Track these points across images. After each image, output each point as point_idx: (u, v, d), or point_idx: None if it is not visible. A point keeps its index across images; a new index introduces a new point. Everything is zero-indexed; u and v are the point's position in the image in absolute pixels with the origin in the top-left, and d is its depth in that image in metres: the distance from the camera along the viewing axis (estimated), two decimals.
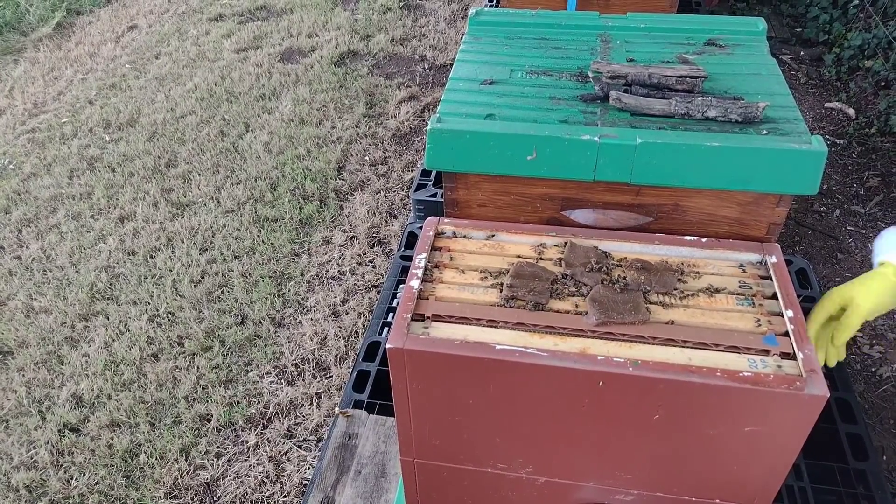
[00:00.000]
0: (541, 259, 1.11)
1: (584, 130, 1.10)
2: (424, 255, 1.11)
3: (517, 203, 1.21)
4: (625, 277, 1.04)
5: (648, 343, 0.95)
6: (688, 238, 1.12)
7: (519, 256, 1.12)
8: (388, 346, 0.96)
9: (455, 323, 1.00)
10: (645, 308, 0.98)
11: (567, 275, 1.06)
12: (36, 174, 3.33)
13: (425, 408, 1.04)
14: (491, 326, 0.99)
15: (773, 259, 1.06)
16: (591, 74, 1.23)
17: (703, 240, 1.11)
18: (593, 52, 1.36)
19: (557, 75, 1.29)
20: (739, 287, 1.03)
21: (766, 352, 0.92)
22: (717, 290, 1.02)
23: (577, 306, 1.01)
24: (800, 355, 0.90)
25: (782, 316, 0.97)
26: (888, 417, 2.01)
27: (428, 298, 1.04)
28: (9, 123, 3.78)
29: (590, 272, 1.05)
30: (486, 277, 1.07)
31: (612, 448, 1.00)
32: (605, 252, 1.10)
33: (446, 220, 1.19)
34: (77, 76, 4.21)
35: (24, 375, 2.31)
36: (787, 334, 0.94)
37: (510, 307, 1.01)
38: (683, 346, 0.94)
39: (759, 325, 0.96)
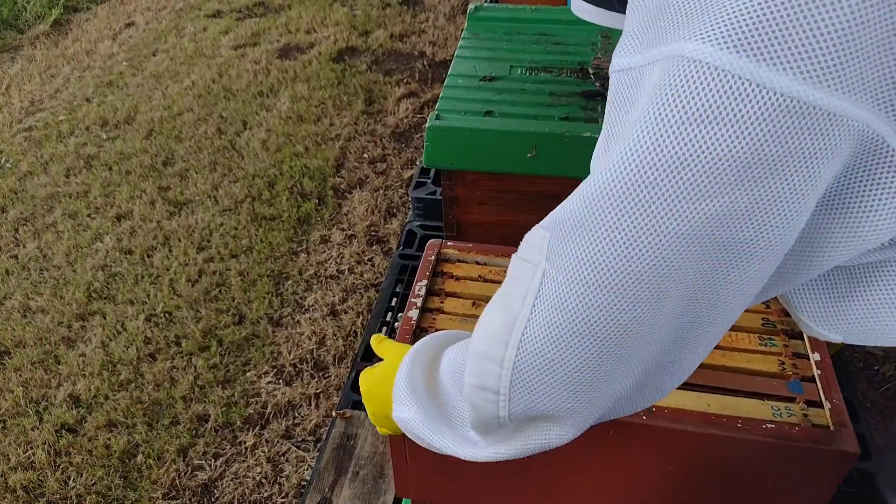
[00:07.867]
0: None
1: (585, 127, 1.09)
2: (425, 282, 1.06)
3: (517, 201, 1.19)
4: None
5: None
6: None
7: None
8: None
9: None
10: None
11: None
12: (32, 172, 3.31)
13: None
14: None
15: None
16: (591, 70, 1.21)
17: None
18: (594, 48, 1.34)
19: (558, 71, 1.27)
20: (762, 325, 0.95)
21: (790, 398, 0.85)
22: (739, 328, 0.95)
23: None
24: (827, 404, 0.84)
25: (808, 359, 0.89)
26: (891, 415, 2.00)
27: (427, 330, 0.99)
28: (5, 121, 3.76)
29: None
30: None
31: (623, 497, 0.94)
32: None
33: (449, 244, 1.13)
34: (74, 74, 4.19)
35: (21, 375, 2.30)
36: (812, 379, 0.87)
37: None
38: (701, 391, 0.86)
39: (784, 368, 0.88)
